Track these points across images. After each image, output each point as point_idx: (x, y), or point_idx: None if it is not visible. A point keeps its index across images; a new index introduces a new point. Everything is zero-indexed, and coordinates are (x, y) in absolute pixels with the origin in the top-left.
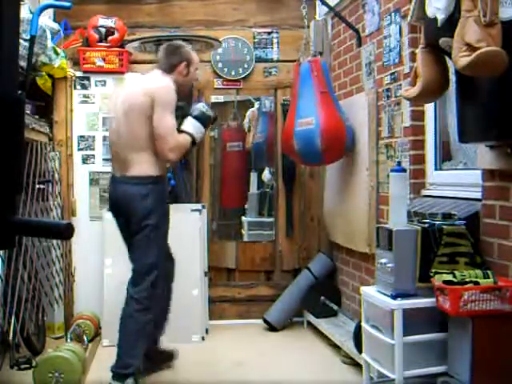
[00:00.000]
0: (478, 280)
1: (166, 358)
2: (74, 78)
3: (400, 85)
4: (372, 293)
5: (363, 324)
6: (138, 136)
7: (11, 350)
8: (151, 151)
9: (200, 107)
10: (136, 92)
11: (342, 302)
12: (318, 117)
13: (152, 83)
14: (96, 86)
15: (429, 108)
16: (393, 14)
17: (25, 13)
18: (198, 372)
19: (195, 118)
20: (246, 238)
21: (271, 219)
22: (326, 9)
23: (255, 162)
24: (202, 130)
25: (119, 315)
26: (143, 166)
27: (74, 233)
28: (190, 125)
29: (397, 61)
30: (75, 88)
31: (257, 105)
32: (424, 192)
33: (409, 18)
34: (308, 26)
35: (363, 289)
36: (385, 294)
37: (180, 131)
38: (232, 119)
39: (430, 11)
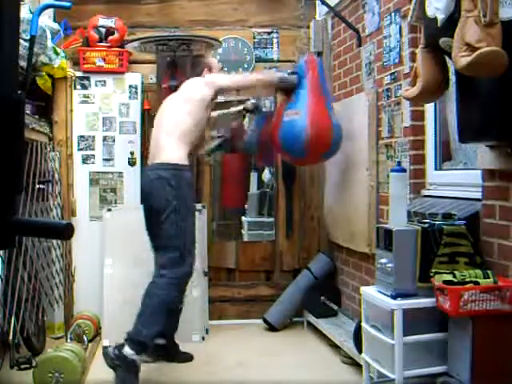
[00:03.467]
0: (478, 280)
1: (180, 355)
2: (74, 78)
3: (400, 85)
4: (372, 293)
5: (363, 324)
6: (177, 127)
7: (11, 349)
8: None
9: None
10: (191, 86)
11: (342, 302)
12: (307, 109)
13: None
14: (96, 86)
15: (429, 108)
16: (393, 13)
17: (25, 13)
18: (198, 372)
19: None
20: (245, 238)
21: (271, 219)
22: (326, 9)
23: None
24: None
25: (119, 315)
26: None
27: (74, 233)
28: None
29: (397, 61)
30: (75, 88)
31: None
32: (424, 192)
33: (409, 18)
34: (308, 26)
35: (363, 289)
36: (385, 294)
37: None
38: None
39: (430, 11)
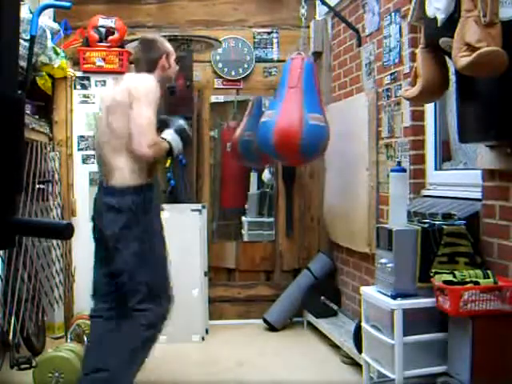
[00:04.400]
0: (478, 280)
1: None
2: (74, 78)
3: (400, 85)
4: (372, 293)
5: (363, 324)
6: (117, 136)
7: (11, 350)
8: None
9: (182, 123)
10: (116, 90)
11: (342, 302)
12: (278, 111)
13: (131, 80)
14: (96, 86)
15: (429, 108)
16: (393, 13)
17: (25, 13)
18: (198, 372)
19: (176, 131)
20: (246, 238)
21: (271, 219)
22: (326, 9)
23: (244, 160)
24: (180, 145)
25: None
26: (123, 172)
27: (74, 233)
28: (170, 135)
29: (397, 61)
30: (75, 88)
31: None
32: (424, 192)
33: (409, 18)
34: (308, 26)
35: (363, 289)
36: (385, 294)
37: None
38: (232, 119)
39: (430, 11)
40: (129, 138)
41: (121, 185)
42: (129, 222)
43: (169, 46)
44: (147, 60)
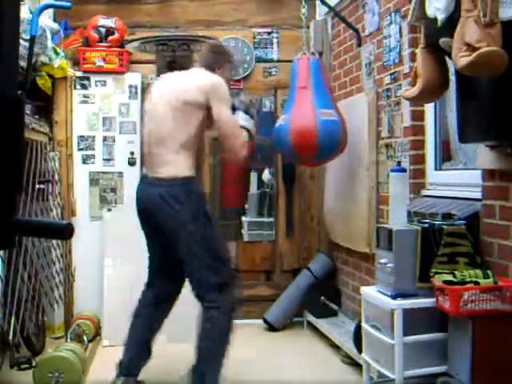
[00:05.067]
0: (478, 280)
1: None
2: (74, 77)
3: (400, 85)
4: (372, 293)
5: (363, 324)
6: (181, 134)
7: (11, 350)
8: (191, 152)
9: (243, 101)
10: (187, 88)
11: (342, 302)
12: (290, 113)
13: (205, 78)
14: (96, 86)
15: (429, 108)
16: (393, 13)
17: (25, 13)
18: None
19: (245, 112)
20: (246, 238)
21: (271, 219)
22: (326, 9)
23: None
24: (252, 123)
25: (119, 315)
26: (183, 165)
27: (74, 233)
28: (244, 119)
29: (397, 61)
30: (75, 88)
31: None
32: (424, 192)
33: (409, 18)
34: (308, 26)
35: (363, 289)
36: (385, 294)
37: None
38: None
39: (430, 11)
40: (192, 138)
41: (183, 175)
42: (196, 209)
43: (232, 59)
44: (213, 61)
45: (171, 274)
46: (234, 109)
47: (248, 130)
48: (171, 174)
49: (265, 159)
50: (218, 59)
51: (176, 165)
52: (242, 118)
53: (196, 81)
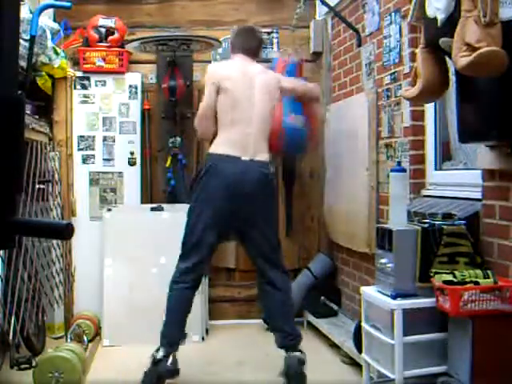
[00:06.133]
0: (478, 280)
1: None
2: (74, 77)
3: (400, 85)
4: (372, 293)
5: (363, 324)
6: (268, 120)
7: (11, 349)
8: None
9: None
10: (270, 78)
11: (342, 302)
12: None
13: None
14: (96, 86)
15: (429, 108)
16: (393, 13)
17: (25, 13)
18: (198, 372)
19: None
20: None
21: None
22: (326, 9)
23: None
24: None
25: (119, 315)
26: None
27: (74, 233)
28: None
29: (397, 61)
30: (75, 88)
31: None
32: (424, 192)
33: (409, 18)
34: (308, 27)
35: (363, 289)
36: (385, 294)
37: None
38: None
39: (430, 11)
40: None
41: (267, 159)
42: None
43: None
44: (258, 48)
45: (208, 261)
46: None
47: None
48: (267, 157)
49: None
50: (257, 43)
51: (266, 149)
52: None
53: (274, 74)
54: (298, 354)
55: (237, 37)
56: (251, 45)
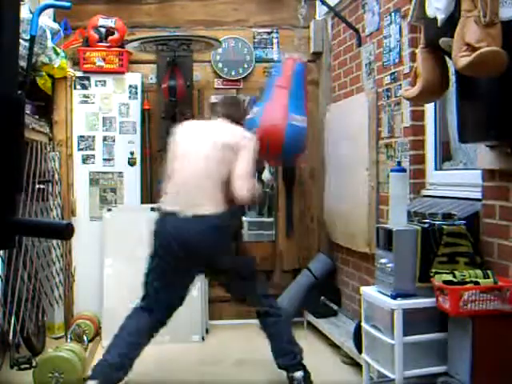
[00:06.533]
0: (478, 280)
1: None
2: (74, 78)
3: (400, 85)
4: (372, 293)
5: (363, 324)
6: (218, 175)
7: (11, 349)
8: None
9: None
10: (229, 135)
11: (342, 302)
12: (263, 108)
13: (241, 132)
14: (96, 86)
15: (429, 108)
16: (393, 13)
17: (25, 13)
18: (198, 372)
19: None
20: (246, 238)
21: (271, 219)
22: (325, 9)
23: None
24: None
25: (119, 315)
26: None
27: (74, 233)
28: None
29: (397, 61)
30: (75, 88)
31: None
32: (424, 192)
33: (409, 18)
34: (308, 27)
35: (363, 289)
36: (385, 294)
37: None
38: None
39: (430, 11)
40: (224, 180)
41: (222, 211)
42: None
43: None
44: (235, 115)
45: (172, 310)
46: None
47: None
48: (213, 210)
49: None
50: (239, 114)
51: (216, 201)
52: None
53: (238, 131)
54: (299, 374)
55: (221, 105)
56: (235, 114)
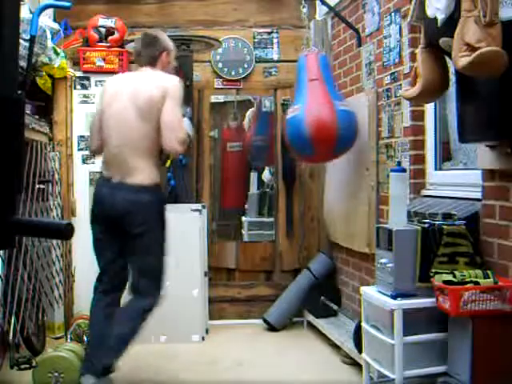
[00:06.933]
0: (478, 280)
1: None
2: (74, 78)
3: (400, 85)
4: (372, 293)
5: (363, 324)
6: (145, 137)
7: (11, 349)
8: (155, 157)
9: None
10: (148, 89)
11: (342, 302)
12: (305, 103)
13: (164, 80)
14: (96, 86)
15: (429, 108)
16: (393, 13)
17: (25, 13)
18: (198, 372)
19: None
20: (245, 238)
21: (271, 219)
22: (325, 9)
23: (254, 163)
24: (191, 129)
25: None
26: (147, 172)
27: (74, 233)
28: (187, 125)
29: (397, 61)
30: (75, 88)
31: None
32: (424, 192)
33: (409, 18)
34: (309, 27)
35: (363, 289)
36: (385, 294)
37: None
38: (232, 119)
39: (430, 11)
40: (155, 138)
41: (149, 183)
42: (159, 215)
43: (170, 43)
44: (148, 55)
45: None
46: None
47: (189, 136)
48: (143, 180)
49: (260, 159)
50: (153, 51)
51: (147, 170)
52: (187, 124)
53: (156, 81)
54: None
55: (136, 46)
56: (147, 53)
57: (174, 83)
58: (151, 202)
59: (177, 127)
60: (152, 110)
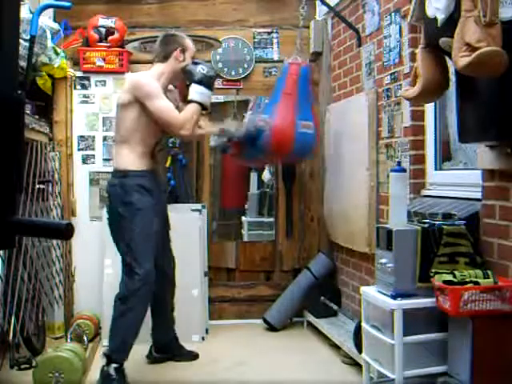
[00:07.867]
0: (478, 280)
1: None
2: (74, 78)
3: (400, 85)
4: (372, 293)
5: (363, 324)
6: (124, 129)
7: (11, 349)
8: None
9: (200, 70)
10: (122, 91)
11: (342, 302)
12: (272, 117)
13: (129, 82)
14: (96, 86)
15: (429, 108)
16: (393, 13)
17: (25, 13)
18: (198, 372)
19: (198, 82)
20: (245, 238)
21: (271, 219)
22: (326, 9)
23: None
24: (207, 92)
25: None
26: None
27: (74, 233)
28: (195, 92)
29: (397, 61)
30: (75, 88)
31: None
32: (424, 192)
33: (409, 18)
34: (308, 27)
35: (363, 289)
36: (385, 294)
37: (187, 101)
38: (232, 119)
39: (430, 11)
40: (134, 132)
41: (123, 168)
42: (123, 199)
43: (187, 42)
44: (163, 52)
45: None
46: (190, 79)
47: (201, 104)
48: (117, 166)
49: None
50: (168, 48)
51: (118, 157)
52: (192, 92)
53: (125, 84)
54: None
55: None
56: (160, 51)
57: (133, 84)
58: (114, 185)
59: (172, 123)
60: (123, 108)
